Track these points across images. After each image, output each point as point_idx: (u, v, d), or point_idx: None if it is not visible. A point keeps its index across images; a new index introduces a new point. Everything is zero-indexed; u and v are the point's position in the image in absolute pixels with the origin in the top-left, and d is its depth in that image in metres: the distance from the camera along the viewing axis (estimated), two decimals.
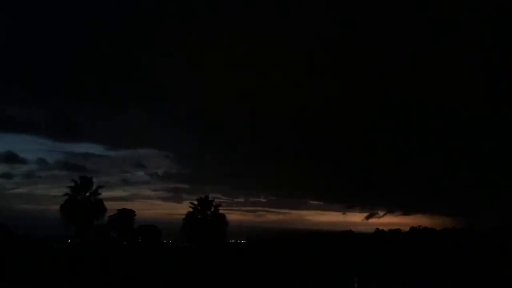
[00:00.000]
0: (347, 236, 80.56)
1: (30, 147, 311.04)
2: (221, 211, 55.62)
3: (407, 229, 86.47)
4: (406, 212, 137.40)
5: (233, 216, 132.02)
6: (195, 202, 55.49)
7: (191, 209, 55.26)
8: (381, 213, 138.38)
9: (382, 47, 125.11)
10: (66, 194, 51.65)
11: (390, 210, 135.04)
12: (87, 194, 52.42)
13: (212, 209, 55.15)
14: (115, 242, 55.70)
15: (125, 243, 57.09)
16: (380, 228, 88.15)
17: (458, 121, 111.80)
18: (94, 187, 52.73)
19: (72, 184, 52.23)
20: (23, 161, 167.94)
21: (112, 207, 56.30)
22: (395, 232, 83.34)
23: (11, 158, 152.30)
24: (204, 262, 45.03)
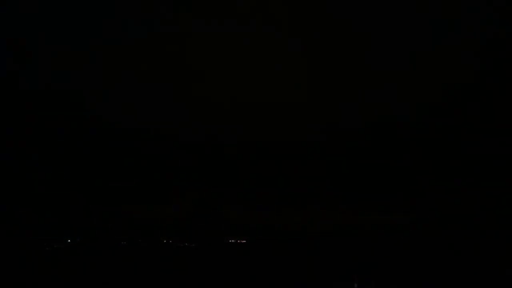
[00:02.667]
0: (346, 236, 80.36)
1: None
2: (228, 209, 55.54)
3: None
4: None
5: (245, 214, 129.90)
6: (196, 201, 55.41)
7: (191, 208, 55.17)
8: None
9: (382, 47, 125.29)
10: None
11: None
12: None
13: (213, 208, 55.05)
14: (115, 242, 55.64)
15: (124, 243, 57.00)
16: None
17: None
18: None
19: None
20: None
21: None
22: (395, 232, 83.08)
23: None
24: (203, 261, 44.94)
